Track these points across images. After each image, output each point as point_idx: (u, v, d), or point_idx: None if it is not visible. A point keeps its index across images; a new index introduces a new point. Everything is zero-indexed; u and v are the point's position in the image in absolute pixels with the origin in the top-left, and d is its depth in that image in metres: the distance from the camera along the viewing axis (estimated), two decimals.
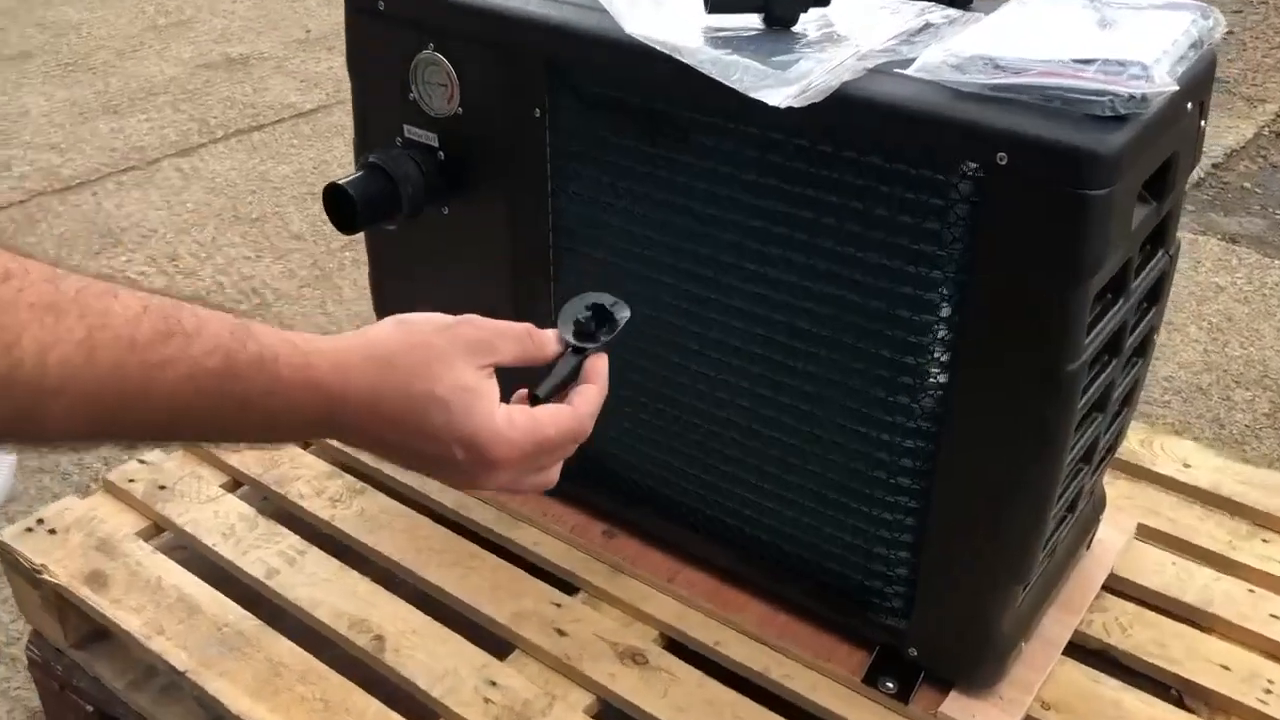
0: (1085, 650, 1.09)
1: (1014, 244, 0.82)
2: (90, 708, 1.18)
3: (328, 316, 2.07)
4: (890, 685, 1.02)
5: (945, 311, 0.89)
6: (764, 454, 1.04)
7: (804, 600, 1.08)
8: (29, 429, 0.45)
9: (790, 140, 0.90)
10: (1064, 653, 1.06)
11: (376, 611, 1.10)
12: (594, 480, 1.19)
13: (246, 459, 1.30)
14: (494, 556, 1.17)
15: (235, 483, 1.29)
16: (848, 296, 0.92)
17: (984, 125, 0.81)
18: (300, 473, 1.28)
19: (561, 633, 1.08)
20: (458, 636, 1.08)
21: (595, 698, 1.04)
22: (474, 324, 0.60)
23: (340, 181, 1.05)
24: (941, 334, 0.90)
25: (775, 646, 1.07)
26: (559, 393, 0.64)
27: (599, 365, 0.66)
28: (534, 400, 0.62)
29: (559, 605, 1.12)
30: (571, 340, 0.66)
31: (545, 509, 1.22)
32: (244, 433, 0.52)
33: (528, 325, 0.64)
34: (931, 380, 0.92)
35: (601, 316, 0.68)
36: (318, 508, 1.23)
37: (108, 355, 0.45)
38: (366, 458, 1.26)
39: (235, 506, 1.23)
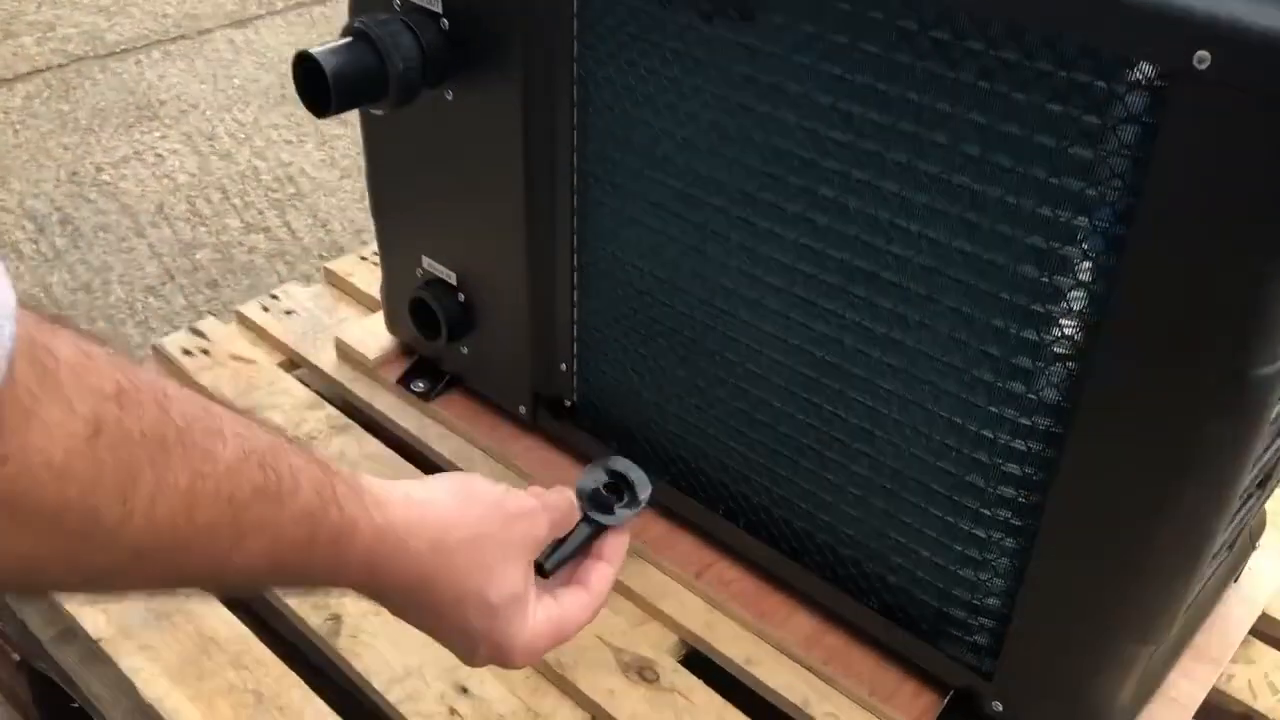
0: (1224, 714, 0.85)
1: (1203, 188, 0.57)
2: (17, 657, 1.01)
3: (365, 212, 1.85)
4: None
5: (1087, 274, 0.64)
6: (826, 435, 0.81)
7: (862, 620, 0.86)
8: (104, 586, 0.41)
9: (892, 23, 0.65)
10: (1196, 717, 0.83)
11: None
12: (617, 442, 0.98)
13: (220, 379, 1.11)
14: None
15: None
16: (954, 243, 0.68)
17: (1176, 9, 0.55)
18: (278, 400, 1.09)
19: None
20: None
21: (589, 718, 0.83)
22: (532, 518, 0.56)
23: (313, 51, 0.83)
24: (1078, 305, 0.65)
25: (821, 674, 0.85)
26: (566, 564, 0.59)
27: (618, 546, 0.61)
28: (539, 569, 0.57)
29: None
30: (588, 511, 0.61)
31: (558, 470, 1.01)
32: (289, 590, 0.50)
33: (570, 499, 0.61)
34: (1058, 366, 0.67)
35: (622, 487, 0.63)
36: None
37: (206, 513, 0.40)
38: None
39: None
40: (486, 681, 0.84)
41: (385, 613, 0.89)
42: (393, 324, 1.10)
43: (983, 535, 0.76)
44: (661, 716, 0.82)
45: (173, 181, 1.94)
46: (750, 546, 0.91)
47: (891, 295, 0.73)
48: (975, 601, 0.79)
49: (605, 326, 0.93)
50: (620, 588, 0.92)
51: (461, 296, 1.00)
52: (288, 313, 1.20)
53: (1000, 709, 0.79)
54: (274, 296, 1.22)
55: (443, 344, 1.02)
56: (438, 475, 0.54)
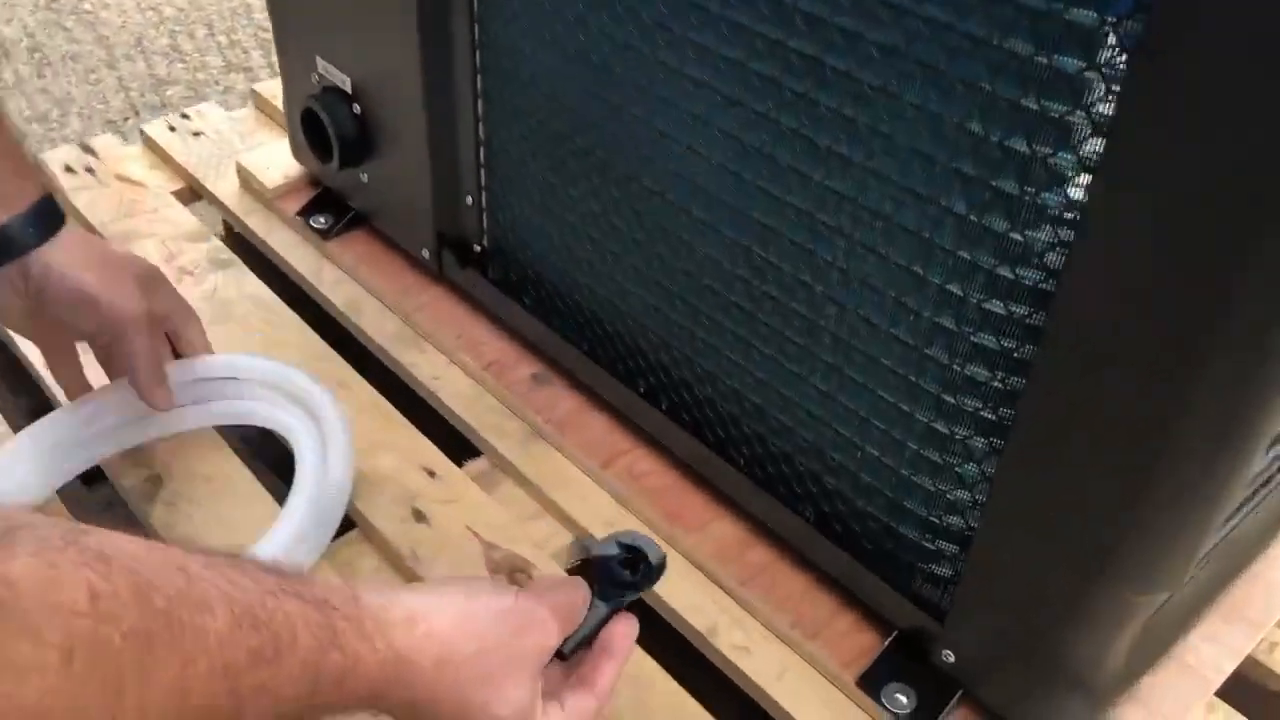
0: (1260, 693, 0.65)
1: None
2: None
3: None
4: (902, 700, 0.61)
5: (1107, 48, 0.44)
6: (756, 290, 0.62)
7: (794, 534, 0.67)
8: None
9: None
10: (1219, 694, 0.63)
11: (172, 440, 0.75)
12: (530, 299, 0.80)
13: (96, 201, 0.95)
14: (370, 387, 0.80)
15: None
16: (920, 7, 0.48)
17: None
18: (157, 229, 0.93)
19: (420, 517, 0.71)
20: (270, 498, 0.72)
21: None
22: (543, 628, 0.52)
23: None
24: (1091, 95, 0.45)
25: (736, 596, 0.67)
26: (584, 646, 0.55)
27: (624, 636, 0.56)
28: (557, 654, 0.53)
29: (433, 474, 0.74)
30: (599, 589, 0.56)
31: (463, 330, 0.83)
32: None
33: (582, 595, 0.55)
34: (1055, 193, 0.47)
35: (634, 562, 0.57)
36: None
37: (201, 695, 0.38)
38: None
39: None
40: (327, 577, 0.68)
41: (217, 475, 0.74)
42: (297, 147, 0.92)
43: (944, 430, 0.56)
44: None
45: (158, 14, 1.78)
46: (670, 434, 0.72)
47: (837, 89, 0.53)
48: (932, 519, 0.60)
49: (512, 145, 0.74)
50: (513, 472, 0.75)
51: (357, 108, 0.82)
52: (196, 134, 1.03)
53: (951, 659, 0.60)
54: (184, 116, 1.05)
55: (336, 167, 0.84)
56: (443, 582, 0.52)
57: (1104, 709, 0.59)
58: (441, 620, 0.48)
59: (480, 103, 0.74)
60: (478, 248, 0.82)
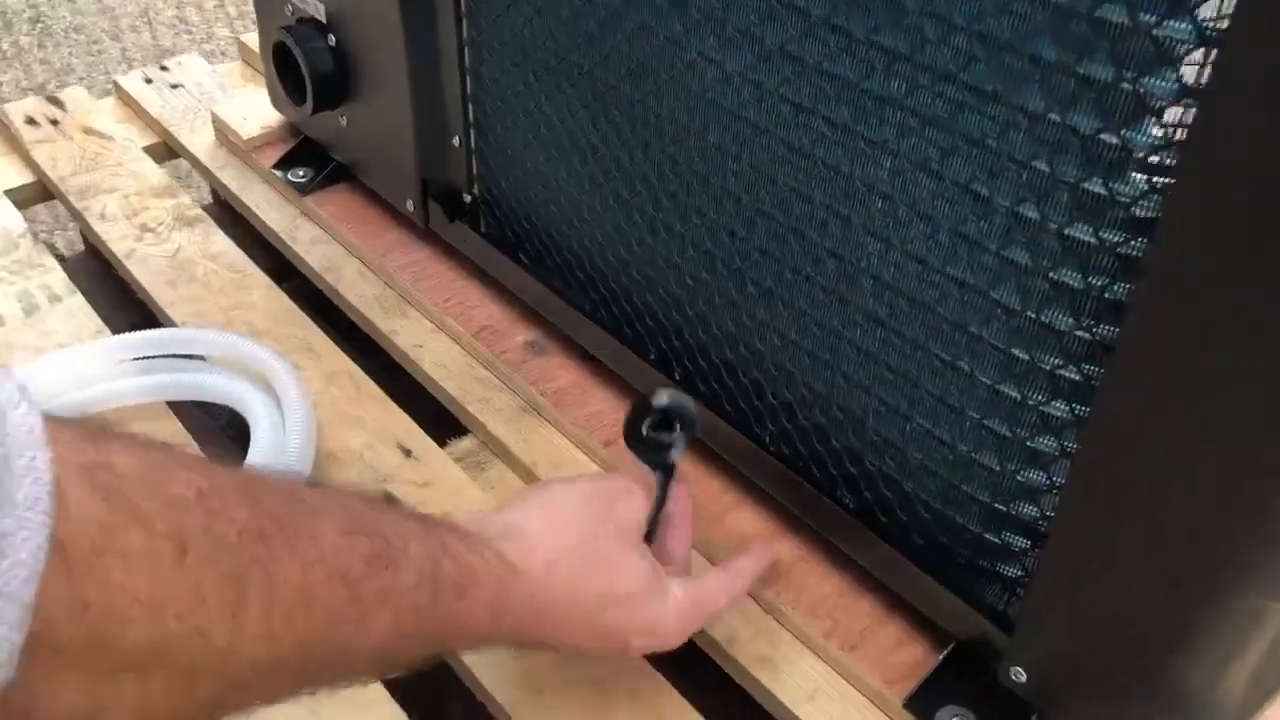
0: None
1: None
2: None
3: None
4: None
5: None
6: (782, 228, 0.51)
7: (829, 525, 0.56)
8: (223, 711, 0.36)
9: None
10: None
11: (117, 412, 0.66)
12: (526, 256, 0.70)
13: (58, 154, 0.86)
14: (342, 355, 0.71)
15: (40, 188, 0.86)
16: None
17: None
18: (120, 183, 0.84)
19: (391, 501, 0.61)
20: None
21: None
22: (628, 497, 0.51)
23: None
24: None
25: (761, 600, 0.57)
26: (657, 523, 0.52)
27: (680, 501, 0.53)
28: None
29: (409, 453, 0.64)
30: (645, 456, 0.53)
31: (451, 292, 0.73)
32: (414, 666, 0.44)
33: (639, 471, 0.53)
34: (1167, 86, 0.36)
35: (669, 418, 0.53)
36: (117, 235, 0.78)
37: (324, 602, 0.36)
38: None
39: (3, 217, 0.80)
40: None
41: None
42: (275, 94, 0.83)
43: (1013, 395, 0.45)
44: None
45: None
46: None
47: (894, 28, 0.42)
48: (999, 506, 0.49)
49: (501, 74, 0.64)
50: (503, 452, 0.65)
51: (332, 39, 0.72)
52: (174, 87, 0.94)
53: (1023, 679, 0.49)
54: (163, 68, 0.97)
55: (310, 108, 0.75)
56: (518, 496, 0.50)
57: None
58: (532, 524, 0.47)
59: (465, 24, 0.64)
60: (467, 198, 0.72)
